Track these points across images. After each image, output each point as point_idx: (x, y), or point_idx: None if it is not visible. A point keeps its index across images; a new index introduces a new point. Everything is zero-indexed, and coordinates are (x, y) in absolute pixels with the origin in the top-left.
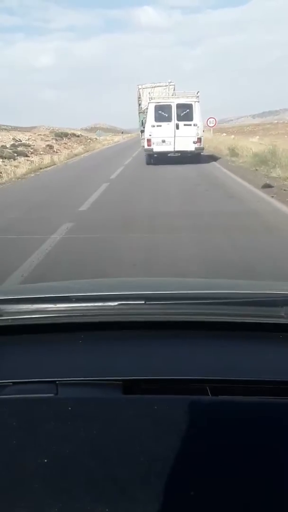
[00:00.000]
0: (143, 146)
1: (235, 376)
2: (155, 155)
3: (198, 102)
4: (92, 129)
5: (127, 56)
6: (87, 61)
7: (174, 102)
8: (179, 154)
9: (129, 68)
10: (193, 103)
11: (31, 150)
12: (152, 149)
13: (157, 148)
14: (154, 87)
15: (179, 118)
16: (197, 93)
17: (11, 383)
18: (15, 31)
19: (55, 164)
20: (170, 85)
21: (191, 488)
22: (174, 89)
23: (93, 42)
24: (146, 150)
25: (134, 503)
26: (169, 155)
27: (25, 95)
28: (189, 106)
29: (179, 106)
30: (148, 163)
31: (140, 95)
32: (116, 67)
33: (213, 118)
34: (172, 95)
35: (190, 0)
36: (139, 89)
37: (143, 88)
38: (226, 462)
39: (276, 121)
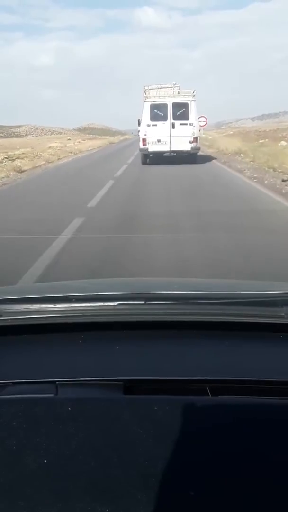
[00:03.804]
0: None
1: (235, 376)
2: (151, 155)
3: (195, 101)
4: (85, 129)
5: (127, 57)
6: (86, 61)
7: (170, 101)
8: (175, 154)
9: (128, 69)
10: (189, 102)
11: None
12: (147, 148)
13: (152, 147)
14: (160, 88)
15: (175, 117)
16: (193, 92)
17: (11, 383)
18: (14, 30)
19: None
20: (175, 86)
21: (191, 488)
22: (179, 90)
23: (93, 42)
24: (141, 150)
25: (134, 503)
26: (164, 155)
27: (19, 94)
28: (185, 105)
29: (175, 105)
30: (144, 163)
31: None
32: (115, 67)
33: (204, 116)
34: (178, 93)
35: (190, 2)
36: (145, 90)
37: (150, 89)
38: (226, 462)
39: (276, 124)
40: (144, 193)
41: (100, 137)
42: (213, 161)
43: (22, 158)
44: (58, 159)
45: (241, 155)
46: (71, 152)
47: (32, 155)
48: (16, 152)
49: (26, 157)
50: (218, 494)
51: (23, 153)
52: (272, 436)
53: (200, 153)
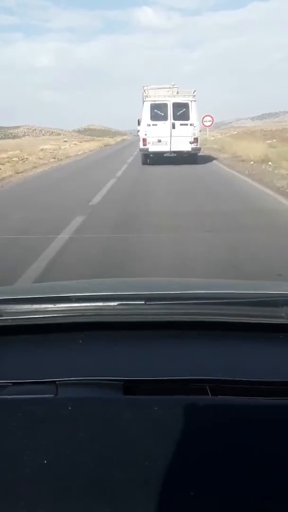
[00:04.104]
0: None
1: (235, 376)
2: (151, 155)
3: (195, 101)
4: (85, 131)
5: (126, 58)
6: (85, 62)
7: (170, 101)
8: (175, 155)
9: (128, 69)
10: (189, 102)
11: None
12: (148, 148)
13: (152, 147)
14: (159, 88)
15: (176, 117)
16: (193, 92)
17: (11, 383)
18: (14, 31)
19: None
20: (173, 87)
21: (191, 488)
22: (178, 90)
23: (92, 43)
24: (141, 149)
25: (134, 504)
26: (165, 155)
27: (19, 94)
28: (185, 105)
29: (175, 105)
30: (144, 163)
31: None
32: (115, 68)
33: (209, 116)
34: (177, 93)
35: (189, 2)
36: (144, 90)
37: (148, 89)
38: (226, 463)
39: (276, 123)
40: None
41: (97, 138)
42: (235, 173)
43: (3, 164)
44: (34, 167)
45: (270, 163)
46: (55, 158)
47: (17, 159)
48: (2, 155)
49: (9, 161)
50: (218, 494)
51: (8, 157)
52: (272, 437)
53: (210, 156)
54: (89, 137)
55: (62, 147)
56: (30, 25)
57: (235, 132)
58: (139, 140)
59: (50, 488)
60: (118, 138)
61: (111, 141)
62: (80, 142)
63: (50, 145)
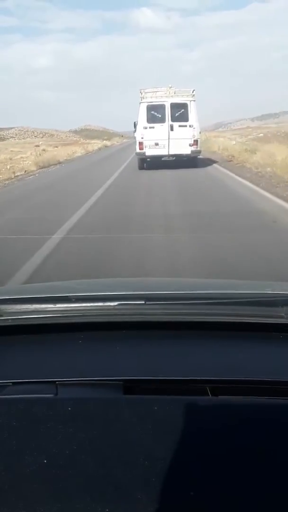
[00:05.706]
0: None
1: (235, 376)
2: (148, 159)
3: (194, 101)
4: (82, 131)
5: (125, 58)
6: (84, 63)
7: (167, 102)
8: (174, 158)
9: (127, 70)
10: (188, 102)
11: None
12: (145, 152)
13: (149, 151)
14: (156, 91)
15: (174, 118)
16: (192, 92)
17: (11, 383)
18: (13, 32)
19: None
20: (170, 89)
21: (191, 488)
22: (175, 91)
23: (91, 43)
24: (138, 154)
25: (134, 504)
26: (163, 159)
27: (17, 95)
28: (184, 106)
29: (173, 105)
30: (141, 168)
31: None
32: (113, 69)
33: None
34: (174, 93)
35: (188, 2)
36: (141, 92)
37: (146, 92)
38: (226, 462)
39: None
40: None
41: (81, 141)
42: None
43: None
44: None
45: None
46: None
47: None
48: None
49: None
50: (218, 494)
51: None
52: (272, 436)
53: None
54: (76, 138)
55: (19, 156)
56: (28, 27)
57: (261, 134)
58: (134, 144)
59: (50, 488)
60: (96, 145)
61: (75, 150)
62: (56, 147)
63: (11, 152)
